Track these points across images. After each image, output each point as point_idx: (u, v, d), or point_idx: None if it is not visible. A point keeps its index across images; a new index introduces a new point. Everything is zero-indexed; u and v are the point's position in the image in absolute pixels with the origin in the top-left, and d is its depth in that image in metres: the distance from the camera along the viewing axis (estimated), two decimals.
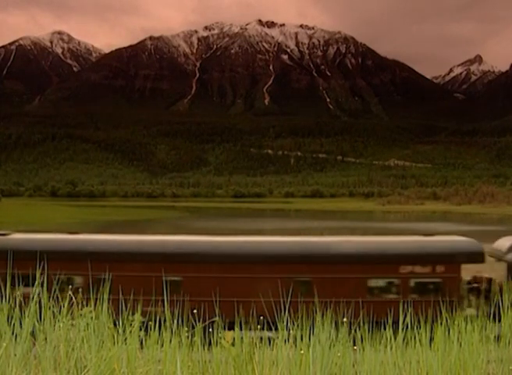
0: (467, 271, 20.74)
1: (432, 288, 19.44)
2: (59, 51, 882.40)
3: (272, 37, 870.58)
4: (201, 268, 18.79)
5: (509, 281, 20.89)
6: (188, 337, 4.91)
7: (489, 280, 20.78)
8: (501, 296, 22.01)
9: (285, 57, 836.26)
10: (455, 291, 19.29)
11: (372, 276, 19.38)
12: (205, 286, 18.07)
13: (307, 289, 18.21)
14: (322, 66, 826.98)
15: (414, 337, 4.82)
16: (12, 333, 4.26)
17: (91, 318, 4.72)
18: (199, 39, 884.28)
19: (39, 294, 4.51)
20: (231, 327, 5.30)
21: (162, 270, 16.29)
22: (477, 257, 19.70)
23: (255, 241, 20.98)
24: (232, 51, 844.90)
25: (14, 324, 4.38)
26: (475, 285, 20.47)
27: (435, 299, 17.70)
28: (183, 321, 5.37)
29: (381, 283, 19.44)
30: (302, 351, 4.38)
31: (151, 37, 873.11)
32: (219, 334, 4.85)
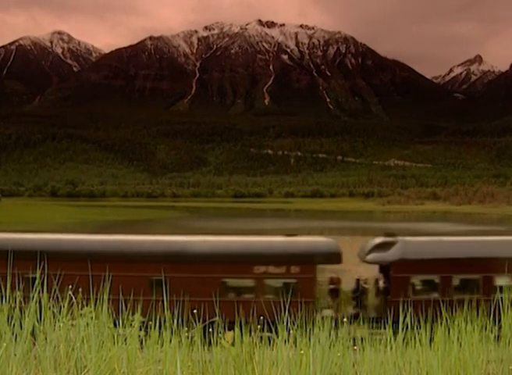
0: (334, 272, 20.77)
1: (287, 289, 19.06)
2: (59, 51, 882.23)
3: (272, 37, 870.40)
4: (63, 265, 18.68)
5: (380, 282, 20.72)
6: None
7: (357, 281, 20.71)
8: (360, 298, 21.77)
9: (285, 57, 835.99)
10: (310, 291, 19.23)
11: (227, 276, 19.41)
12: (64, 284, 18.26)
13: (162, 288, 18.15)
14: (322, 66, 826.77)
15: (414, 337, 4.79)
16: (12, 334, 4.25)
17: (91, 318, 4.69)
18: (199, 39, 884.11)
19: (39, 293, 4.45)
20: (231, 327, 5.14)
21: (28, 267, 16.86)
22: (333, 258, 19.68)
23: (112, 240, 21.08)
24: (232, 51, 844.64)
25: (14, 324, 4.37)
26: (333, 287, 20.37)
27: (290, 300, 17.78)
28: (183, 321, 5.29)
29: (235, 283, 19.46)
30: (302, 351, 4.35)
31: (151, 37, 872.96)
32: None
